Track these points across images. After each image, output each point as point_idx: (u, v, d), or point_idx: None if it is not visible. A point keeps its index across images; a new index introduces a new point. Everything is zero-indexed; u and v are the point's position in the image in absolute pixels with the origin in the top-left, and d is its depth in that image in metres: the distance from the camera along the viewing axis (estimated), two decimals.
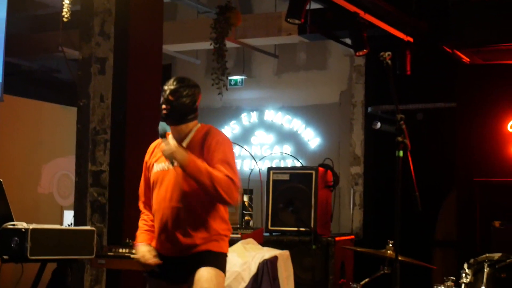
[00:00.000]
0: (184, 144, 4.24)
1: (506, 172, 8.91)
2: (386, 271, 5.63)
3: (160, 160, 4.29)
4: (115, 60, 6.25)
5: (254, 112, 11.21)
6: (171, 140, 4.19)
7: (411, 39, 7.95)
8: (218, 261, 4.30)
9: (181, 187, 4.22)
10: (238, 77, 11.22)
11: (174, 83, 4.25)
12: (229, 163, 4.20)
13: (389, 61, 4.18)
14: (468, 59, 7.04)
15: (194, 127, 4.31)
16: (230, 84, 11.08)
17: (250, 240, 6.64)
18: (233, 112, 11.34)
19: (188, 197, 4.22)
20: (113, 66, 6.25)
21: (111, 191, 6.19)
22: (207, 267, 4.22)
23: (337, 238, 7.37)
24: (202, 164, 4.10)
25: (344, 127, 10.46)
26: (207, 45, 8.56)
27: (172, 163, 4.14)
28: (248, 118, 11.25)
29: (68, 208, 8.83)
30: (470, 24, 6.52)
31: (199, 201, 4.22)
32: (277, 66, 11.14)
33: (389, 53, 4.19)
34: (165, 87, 4.25)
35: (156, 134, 4.21)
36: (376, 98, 10.09)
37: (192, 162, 4.08)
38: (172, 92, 4.21)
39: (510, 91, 8.92)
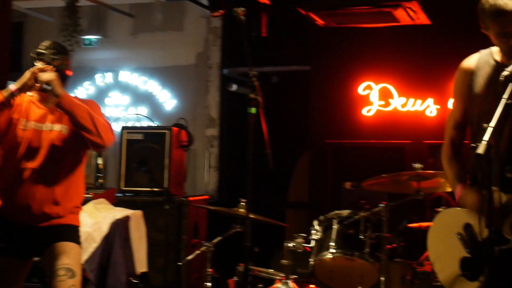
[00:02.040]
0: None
1: (357, 134, 9.14)
2: (238, 229, 5.67)
3: (31, 117, 4.15)
4: None
5: (109, 73, 10.97)
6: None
7: (267, 1, 7.97)
8: (77, 235, 4.20)
9: (50, 150, 4.07)
10: (92, 37, 10.91)
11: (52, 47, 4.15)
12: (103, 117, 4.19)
13: (243, 17, 4.18)
14: (322, 22, 7.13)
15: None
16: (85, 44, 10.77)
17: (102, 200, 6.53)
18: (87, 72, 11.03)
19: (55, 162, 4.09)
20: None
21: None
22: (68, 242, 4.10)
23: (190, 198, 7.36)
24: (79, 101, 4.04)
25: (200, 89, 10.41)
26: (61, 3, 8.28)
27: (45, 90, 3.98)
28: (102, 79, 10.99)
29: None
30: None
31: (65, 167, 4.11)
32: (133, 26, 10.92)
33: (243, 9, 4.18)
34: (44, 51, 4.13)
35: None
36: (232, 61, 10.09)
37: (69, 95, 4.00)
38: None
39: (362, 54, 9.13)
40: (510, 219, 3.43)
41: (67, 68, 4.27)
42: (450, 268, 3.73)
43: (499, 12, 3.39)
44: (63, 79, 4.20)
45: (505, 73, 3.30)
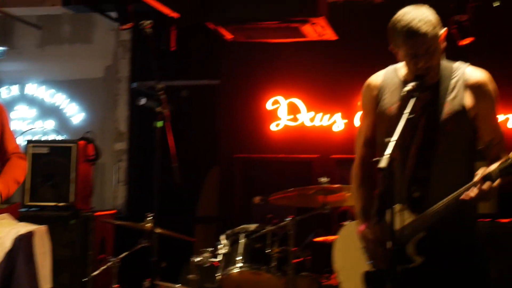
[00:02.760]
0: None
1: (266, 149, 9.20)
2: (145, 244, 5.62)
3: None
4: None
5: (15, 85, 10.74)
6: None
7: (176, 15, 7.95)
8: None
9: None
10: None
11: None
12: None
13: (150, 30, 4.17)
14: (231, 36, 7.15)
15: None
16: None
17: (5, 215, 6.33)
18: None
19: None
20: None
21: None
22: None
23: (97, 213, 7.27)
24: (10, 180, 4.15)
25: (109, 102, 10.30)
26: None
27: None
28: (8, 91, 10.76)
29: None
30: (233, 1, 6.62)
31: None
32: (40, 38, 10.73)
33: (150, 22, 4.18)
34: None
35: None
36: (141, 74, 10.01)
37: (6, 189, 4.11)
38: None
39: (270, 69, 9.21)
40: (415, 239, 3.49)
41: None
42: (353, 280, 3.79)
43: (412, 34, 3.38)
44: None
45: (407, 88, 3.36)
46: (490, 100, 3.55)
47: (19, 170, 4.39)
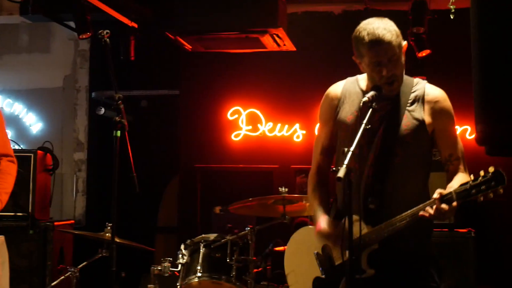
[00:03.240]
0: None
1: (226, 159, 9.21)
2: (104, 254, 5.61)
3: None
4: None
5: None
6: None
7: (135, 25, 7.95)
8: None
9: None
10: None
11: None
12: None
13: (108, 39, 4.17)
14: (190, 47, 7.16)
15: None
16: None
17: None
18: None
19: None
20: None
21: None
22: None
23: (56, 223, 7.21)
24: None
25: (68, 112, 10.24)
26: None
27: None
28: None
29: None
30: (192, 11, 6.64)
31: None
32: None
33: (107, 31, 4.18)
34: None
35: None
36: (100, 84, 9.98)
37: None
38: None
39: (230, 79, 9.24)
40: (368, 250, 3.53)
41: None
42: (303, 285, 3.82)
43: (376, 42, 3.45)
44: None
45: (365, 99, 3.41)
46: (447, 116, 3.64)
47: (8, 178, 4.42)
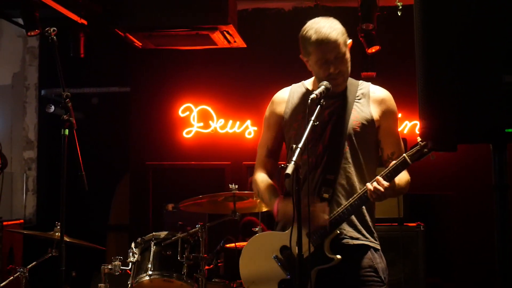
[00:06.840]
0: None
1: (178, 156, 9.20)
2: (54, 253, 5.56)
3: None
4: None
5: None
6: None
7: (85, 22, 7.89)
8: None
9: None
10: None
11: None
12: None
13: (55, 37, 4.13)
14: (140, 43, 7.11)
15: None
16: None
17: None
18: None
19: None
20: None
21: None
22: None
23: (5, 223, 7.14)
24: None
25: (17, 110, 10.11)
26: None
27: None
28: None
29: None
30: (142, 8, 6.59)
31: None
32: None
33: (54, 28, 4.14)
34: None
35: None
36: (50, 81, 9.88)
37: None
38: None
39: (181, 76, 9.22)
40: (329, 239, 3.59)
41: None
42: None
43: (322, 41, 3.57)
44: None
45: (313, 96, 3.45)
46: (392, 116, 3.79)
47: None
